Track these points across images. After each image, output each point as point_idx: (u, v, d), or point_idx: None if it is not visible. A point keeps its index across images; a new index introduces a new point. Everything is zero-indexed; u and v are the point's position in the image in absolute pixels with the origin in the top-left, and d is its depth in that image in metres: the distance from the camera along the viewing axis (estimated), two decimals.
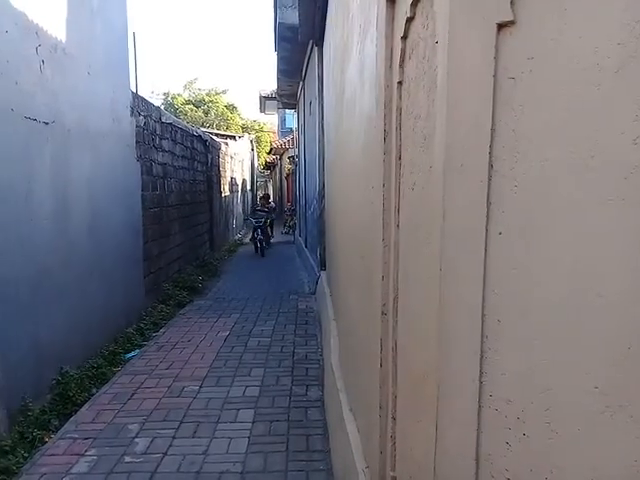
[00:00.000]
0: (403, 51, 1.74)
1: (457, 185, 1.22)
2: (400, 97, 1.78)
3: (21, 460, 3.32)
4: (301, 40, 7.99)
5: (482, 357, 1.19)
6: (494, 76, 1.15)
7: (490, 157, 1.15)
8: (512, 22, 1.12)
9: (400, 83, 1.78)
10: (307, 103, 10.31)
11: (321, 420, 3.83)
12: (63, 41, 4.69)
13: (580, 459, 1.03)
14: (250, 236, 15.08)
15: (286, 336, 6.05)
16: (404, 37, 1.72)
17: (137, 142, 6.90)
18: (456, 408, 1.26)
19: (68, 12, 4.81)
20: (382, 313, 1.94)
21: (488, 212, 1.16)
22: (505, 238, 1.15)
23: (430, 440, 1.36)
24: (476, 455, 1.22)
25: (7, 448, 3.37)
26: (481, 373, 1.19)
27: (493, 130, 1.16)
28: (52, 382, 4.34)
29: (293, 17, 7.63)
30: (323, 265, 7.55)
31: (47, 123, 4.38)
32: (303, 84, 11.24)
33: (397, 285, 1.82)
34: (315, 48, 7.58)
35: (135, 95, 6.98)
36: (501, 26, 1.14)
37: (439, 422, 1.31)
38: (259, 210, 15.46)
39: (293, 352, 5.46)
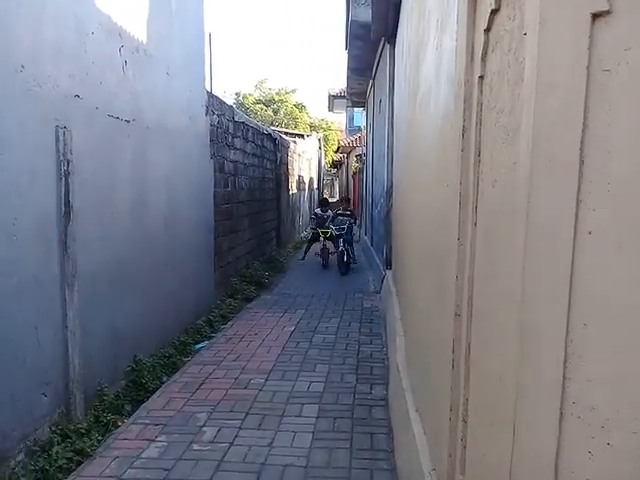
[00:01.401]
0: (486, 44, 1.69)
1: (544, 181, 1.18)
2: (481, 92, 1.74)
3: (95, 443, 3.48)
4: (373, 38, 7.96)
5: (566, 362, 1.14)
6: (587, 68, 1.09)
7: (581, 153, 1.10)
8: (608, 12, 1.06)
9: (481, 77, 1.73)
10: (377, 101, 10.25)
11: (385, 419, 3.80)
12: (144, 42, 4.88)
13: None
14: (317, 246, 11.76)
15: (351, 334, 6.05)
16: (487, 30, 1.67)
17: (211, 140, 7.10)
18: (536, 414, 1.21)
19: (149, 13, 5.01)
20: (455, 314, 1.89)
21: (577, 210, 1.10)
22: (595, 238, 1.09)
23: (505, 445, 1.32)
24: (555, 463, 1.17)
25: (83, 430, 3.55)
26: (564, 379, 1.14)
27: (585, 125, 1.10)
28: (126, 369, 4.54)
29: (366, 14, 7.60)
30: (389, 264, 7.49)
31: (128, 121, 4.58)
32: (373, 82, 11.19)
33: (472, 286, 1.78)
34: (387, 46, 7.53)
35: (210, 94, 7.18)
36: (596, 16, 1.08)
37: (517, 427, 1.26)
38: (341, 214, 11.75)
39: (358, 350, 5.45)
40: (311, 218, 12.94)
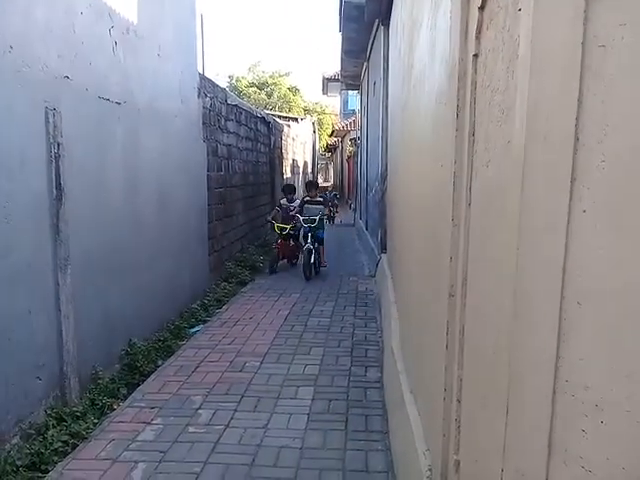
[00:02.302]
0: (480, 22, 1.67)
1: (539, 159, 1.17)
2: (475, 70, 1.72)
3: (91, 426, 3.48)
4: (367, 19, 7.88)
5: (559, 341, 1.14)
6: (582, 44, 1.08)
7: (576, 129, 1.08)
8: None
9: (476, 56, 1.71)
10: (371, 84, 10.18)
11: (380, 401, 3.83)
12: (134, 23, 4.80)
13: None
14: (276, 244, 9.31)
15: (346, 317, 6.06)
16: (481, 7, 1.65)
17: (203, 123, 7.04)
18: (529, 393, 1.21)
19: None
20: (450, 295, 1.89)
21: (572, 188, 1.09)
22: (590, 216, 1.08)
23: (499, 424, 1.33)
24: (549, 441, 1.17)
25: (78, 414, 3.55)
26: (557, 357, 1.14)
27: (580, 101, 1.09)
28: (121, 353, 4.54)
29: None
30: (384, 248, 7.49)
31: (119, 103, 4.52)
32: (367, 65, 11.10)
33: (467, 266, 1.77)
34: (381, 27, 7.45)
35: (202, 77, 7.10)
36: None
37: (510, 406, 1.27)
38: (309, 202, 9.17)
39: (352, 333, 5.47)
40: (275, 209, 9.80)
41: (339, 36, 10.72)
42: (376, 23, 8.11)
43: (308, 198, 9.18)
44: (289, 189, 9.95)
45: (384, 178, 7.37)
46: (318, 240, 8.69)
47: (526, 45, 1.23)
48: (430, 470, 2.18)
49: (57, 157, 3.50)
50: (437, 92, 2.42)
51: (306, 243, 8.44)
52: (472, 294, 1.72)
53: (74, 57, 3.78)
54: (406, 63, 4.18)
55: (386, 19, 6.96)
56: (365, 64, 11.54)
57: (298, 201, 9.57)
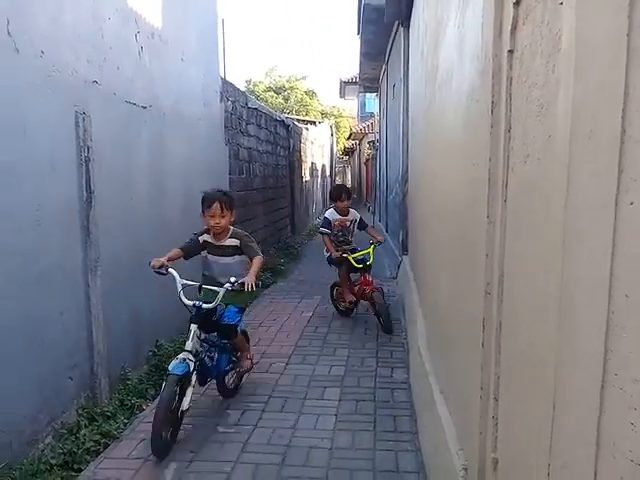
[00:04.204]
0: (515, 18, 1.67)
1: (584, 153, 1.16)
2: (510, 66, 1.72)
3: (121, 425, 3.52)
4: (387, 21, 7.87)
5: (607, 334, 1.13)
6: (628, 35, 1.07)
7: (623, 122, 1.08)
8: None
9: (511, 52, 1.71)
10: (390, 86, 10.18)
11: (408, 402, 3.82)
12: (159, 28, 4.86)
13: None
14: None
15: (369, 319, 6.04)
16: (516, 3, 1.65)
17: (225, 126, 7.10)
18: (576, 388, 1.21)
19: None
20: (486, 293, 1.88)
21: (619, 181, 1.09)
22: (637, 208, 1.07)
23: (544, 420, 1.32)
24: (597, 435, 1.16)
25: (108, 414, 3.59)
26: (606, 351, 1.13)
27: (626, 94, 1.08)
28: (148, 354, 4.59)
29: None
30: (405, 250, 7.47)
31: (145, 107, 4.58)
32: (386, 67, 11.09)
33: (503, 263, 1.76)
34: (401, 29, 7.45)
35: (224, 80, 7.17)
36: None
37: (557, 402, 1.26)
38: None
39: (377, 334, 5.45)
40: (321, 232, 6.16)
41: (357, 39, 10.76)
42: (396, 25, 8.11)
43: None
44: (342, 193, 6.00)
45: (405, 180, 7.35)
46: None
47: (569, 39, 1.23)
48: (465, 469, 2.17)
49: (87, 160, 3.55)
50: (467, 90, 2.41)
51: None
52: (509, 291, 1.71)
53: (102, 62, 3.85)
54: (430, 63, 4.17)
55: (406, 20, 6.96)
56: (384, 66, 11.54)
57: (355, 215, 6.11)
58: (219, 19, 7.07)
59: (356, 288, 5.86)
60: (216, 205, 3.72)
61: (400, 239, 7.85)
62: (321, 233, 6.12)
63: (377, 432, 3.40)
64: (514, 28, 1.68)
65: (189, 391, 3.37)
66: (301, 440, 3.31)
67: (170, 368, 3.33)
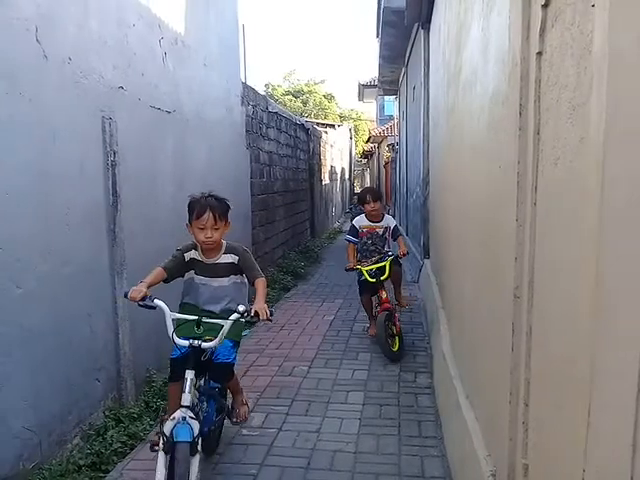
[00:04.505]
0: (544, 20, 1.66)
1: (619, 155, 1.15)
2: (539, 68, 1.70)
3: (147, 427, 3.55)
4: (407, 24, 7.87)
5: None
6: None
7: None
8: None
9: (539, 54, 1.70)
10: (410, 88, 10.14)
11: (432, 407, 3.79)
12: (182, 33, 4.92)
13: None
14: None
15: None
16: (545, 5, 1.64)
17: (246, 131, 7.15)
18: (612, 393, 1.19)
19: (186, 5, 5.04)
20: (515, 296, 1.87)
21: None
22: None
23: (578, 425, 1.30)
24: (633, 440, 1.15)
25: (135, 415, 3.62)
26: None
27: None
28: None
29: (399, 0, 7.52)
30: (427, 253, 7.43)
31: (169, 112, 4.63)
32: (406, 69, 11.07)
33: (532, 267, 1.75)
34: (421, 31, 7.43)
35: (244, 85, 7.22)
36: None
37: (592, 408, 1.24)
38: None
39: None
40: (348, 240, 5.61)
41: (376, 42, 10.77)
42: (416, 27, 8.09)
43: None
44: (366, 194, 5.47)
45: (426, 183, 7.31)
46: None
47: (602, 40, 1.21)
48: (493, 475, 2.15)
49: (113, 165, 3.61)
50: (492, 92, 2.40)
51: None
52: (540, 295, 1.69)
53: (127, 68, 3.90)
54: (452, 65, 4.16)
55: (426, 23, 6.94)
56: (403, 69, 11.52)
57: (390, 222, 5.52)
58: (239, 24, 7.12)
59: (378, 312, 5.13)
60: (208, 215, 2.91)
61: (421, 242, 7.81)
62: (346, 241, 5.64)
63: (402, 437, 3.38)
64: (543, 30, 1.67)
65: (195, 461, 2.54)
66: (326, 444, 3.31)
67: (173, 434, 2.53)
